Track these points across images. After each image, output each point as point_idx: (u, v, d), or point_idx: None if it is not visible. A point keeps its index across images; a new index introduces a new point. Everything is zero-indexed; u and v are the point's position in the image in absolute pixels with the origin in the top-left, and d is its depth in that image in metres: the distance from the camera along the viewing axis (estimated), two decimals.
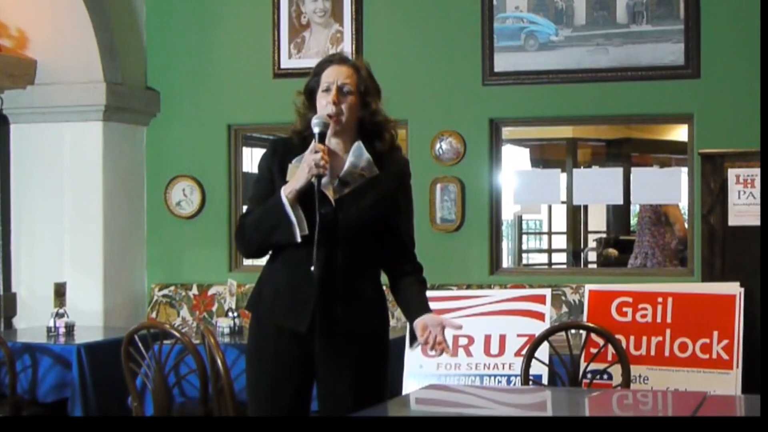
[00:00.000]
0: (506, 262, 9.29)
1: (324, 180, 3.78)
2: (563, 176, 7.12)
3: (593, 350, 5.25)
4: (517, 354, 5.37)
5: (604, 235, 11.37)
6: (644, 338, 5.36)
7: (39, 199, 7.20)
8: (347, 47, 7.01)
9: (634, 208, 10.48)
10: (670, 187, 6.77)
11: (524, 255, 12.10)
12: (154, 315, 7.38)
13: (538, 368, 5.22)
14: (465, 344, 5.46)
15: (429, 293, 4.03)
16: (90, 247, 7.12)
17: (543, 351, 5.23)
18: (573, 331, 5.42)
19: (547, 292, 5.54)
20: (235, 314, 6.25)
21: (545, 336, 5.24)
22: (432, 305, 3.95)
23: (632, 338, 5.37)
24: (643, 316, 5.40)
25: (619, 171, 7.01)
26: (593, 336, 5.27)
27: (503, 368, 5.40)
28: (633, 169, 7.09)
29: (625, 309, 5.43)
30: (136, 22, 7.41)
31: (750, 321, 5.48)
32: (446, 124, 6.95)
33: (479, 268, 6.88)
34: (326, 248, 3.80)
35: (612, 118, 7.38)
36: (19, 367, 5.88)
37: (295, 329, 3.85)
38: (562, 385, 5.24)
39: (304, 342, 3.86)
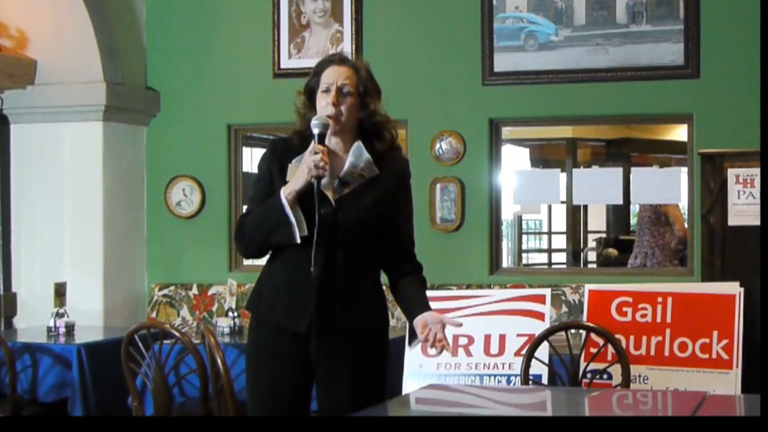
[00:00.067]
0: (506, 262, 9.29)
1: (324, 180, 3.78)
2: (563, 176, 7.12)
3: (593, 350, 5.25)
4: (517, 354, 5.37)
5: (603, 235, 11.36)
6: (644, 338, 5.36)
7: (39, 199, 7.19)
8: (347, 47, 7.01)
9: (634, 208, 10.48)
10: (669, 187, 6.77)
11: (524, 255, 12.10)
12: (154, 315, 7.38)
13: (538, 368, 5.22)
14: (465, 344, 5.46)
15: (429, 293, 4.02)
16: (90, 247, 7.12)
17: (543, 351, 5.23)
18: (573, 330, 5.43)
19: (547, 292, 5.54)
20: (235, 314, 6.24)
21: (545, 336, 5.24)
22: (432, 305, 3.95)
23: (632, 338, 5.37)
24: (643, 315, 5.40)
25: (618, 171, 7.00)
26: (593, 336, 5.27)
27: (503, 368, 5.40)
28: (633, 169, 7.08)
29: (624, 309, 5.43)
30: (136, 22, 7.41)
31: (750, 321, 5.48)
32: (446, 124, 6.94)
33: (479, 267, 6.88)
34: (326, 248, 3.80)
35: (612, 118, 7.38)
36: (19, 367, 5.88)
37: (295, 329, 3.85)
38: (562, 385, 5.24)
39: (303, 342, 3.86)
